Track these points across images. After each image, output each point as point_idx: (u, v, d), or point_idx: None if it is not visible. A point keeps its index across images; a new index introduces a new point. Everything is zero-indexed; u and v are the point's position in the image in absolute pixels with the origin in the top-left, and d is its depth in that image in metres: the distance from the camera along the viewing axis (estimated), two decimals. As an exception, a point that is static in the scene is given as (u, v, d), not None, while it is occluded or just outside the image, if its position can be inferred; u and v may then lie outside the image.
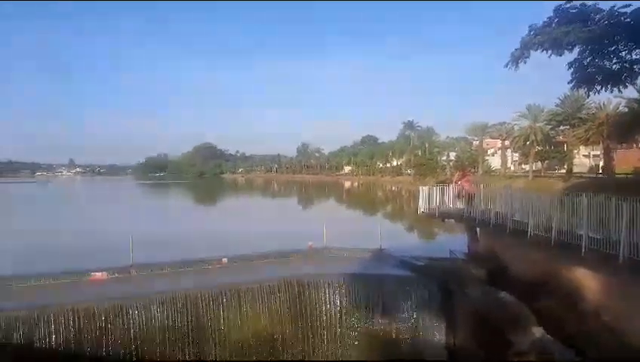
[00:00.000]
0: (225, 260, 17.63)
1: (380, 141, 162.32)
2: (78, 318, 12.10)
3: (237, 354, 13.44)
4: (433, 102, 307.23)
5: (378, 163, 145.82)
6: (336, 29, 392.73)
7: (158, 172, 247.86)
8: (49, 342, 11.79)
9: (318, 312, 14.51)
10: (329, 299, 14.66)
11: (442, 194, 19.43)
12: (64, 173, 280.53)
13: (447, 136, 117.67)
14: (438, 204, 19.28)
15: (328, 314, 14.56)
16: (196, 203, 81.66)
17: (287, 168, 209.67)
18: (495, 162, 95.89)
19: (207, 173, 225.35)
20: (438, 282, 15.20)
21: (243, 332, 13.68)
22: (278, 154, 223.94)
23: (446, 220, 20.20)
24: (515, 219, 14.84)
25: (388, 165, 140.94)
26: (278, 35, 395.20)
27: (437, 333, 14.66)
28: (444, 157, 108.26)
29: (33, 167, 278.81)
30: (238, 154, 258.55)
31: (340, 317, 14.60)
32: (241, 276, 15.70)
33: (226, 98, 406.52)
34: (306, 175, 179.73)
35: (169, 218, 48.50)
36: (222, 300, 13.62)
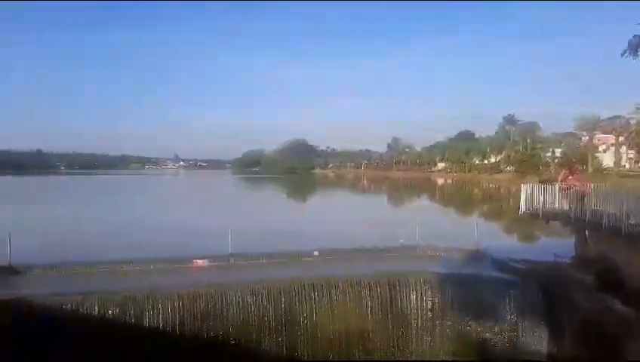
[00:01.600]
0: (317, 253, 17.89)
1: (476, 136, 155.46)
2: (182, 302, 12.93)
3: (327, 348, 13.55)
4: (537, 95, 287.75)
5: (474, 159, 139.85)
6: (423, 15, 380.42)
7: (253, 166, 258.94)
8: (156, 322, 12.73)
9: (409, 311, 14.19)
10: (422, 298, 14.27)
11: (547, 193, 18.05)
12: (169, 167, 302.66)
13: (553, 132, 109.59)
14: (541, 203, 17.97)
15: (420, 314, 14.19)
16: (288, 197, 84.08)
17: (377, 164, 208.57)
18: (607, 159, 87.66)
19: (298, 169, 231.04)
20: (541, 286, 14.19)
21: (333, 326, 13.74)
22: (368, 150, 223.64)
23: (550, 222, 18.76)
24: (630, 222, 13.42)
25: (485, 162, 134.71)
26: (369, 29, 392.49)
27: (538, 341, 13.72)
28: (549, 154, 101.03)
29: (143, 161, 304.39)
30: (329, 150, 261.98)
31: (433, 317, 14.16)
32: (332, 270, 15.84)
33: (318, 94, 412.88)
34: (396, 171, 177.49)
35: (263, 210, 50.39)
36: (314, 293, 13.79)
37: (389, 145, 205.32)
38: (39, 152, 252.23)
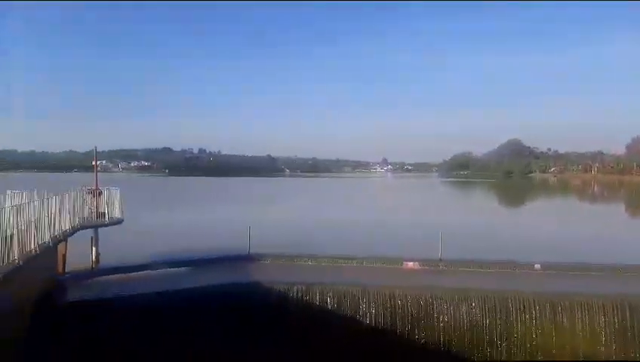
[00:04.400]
0: (538, 266, 16.32)
1: None
2: (393, 301, 13.25)
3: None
4: None
5: None
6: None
7: (461, 170, 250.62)
8: (369, 318, 13.33)
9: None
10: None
11: None
12: (377, 170, 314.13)
13: None
14: None
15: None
16: (503, 203, 78.69)
17: (611, 168, 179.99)
18: None
19: (514, 173, 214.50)
20: None
21: (557, 349, 12.40)
22: (600, 152, 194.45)
23: None
24: None
25: None
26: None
27: None
28: None
29: (354, 165, 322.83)
30: (550, 152, 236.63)
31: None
32: (556, 286, 14.25)
33: (535, 92, 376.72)
34: (636, 176, 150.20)
35: (476, 215, 48.26)
36: (535, 309, 12.65)
37: (627, 147, 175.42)
38: (269, 157, 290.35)
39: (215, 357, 12.52)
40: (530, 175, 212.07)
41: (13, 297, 10.46)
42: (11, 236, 10.35)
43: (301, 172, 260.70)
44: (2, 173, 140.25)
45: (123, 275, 15.75)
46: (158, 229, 29.70)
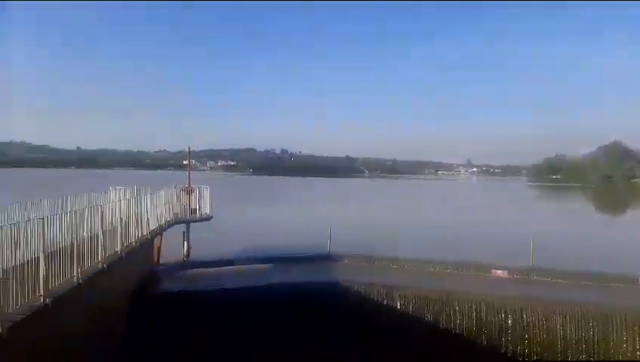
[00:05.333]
0: (645, 280, 14.85)
1: None
2: (479, 310, 12.70)
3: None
4: None
5: None
6: None
7: (553, 174, 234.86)
8: (452, 325, 12.88)
9: None
10: None
11: None
12: (461, 173, 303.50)
13: None
14: None
15: None
16: (603, 210, 72.39)
17: None
18: None
19: (613, 177, 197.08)
20: None
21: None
22: None
23: None
24: None
25: None
26: None
27: None
28: None
29: (436, 166, 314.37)
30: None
31: None
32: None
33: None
34: None
35: (572, 224, 44.93)
36: (638, 328, 11.50)
37: None
38: (348, 158, 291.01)
39: (292, 353, 12.71)
40: (634, 180, 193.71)
41: (115, 286, 11.35)
42: (115, 229, 11.23)
43: (381, 173, 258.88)
44: (103, 170, 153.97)
45: (210, 269, 16.55)
46: (243, 226, 30.88)
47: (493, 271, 16.06)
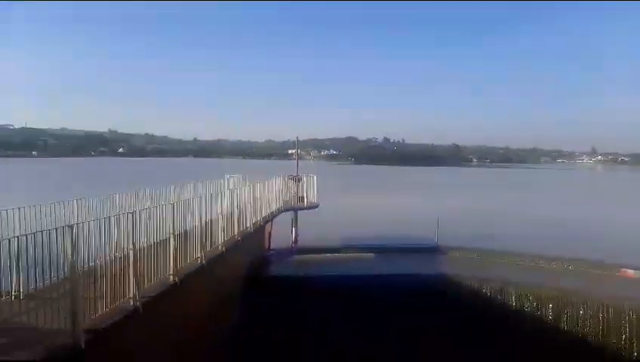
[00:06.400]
0: None
1: None
2: (607, 311, 11.59)
3: None
4: None
5: None
6: None
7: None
8: (574, 326, 11.92)
9: None
10: None
11: None
12: (584, 161, 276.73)
13: None
14: None
15: None
16: None
17: None
18: None
19: None
20: None
21: None
22: None
23: None
24: None
25: None
26: None
27: None
28: None
29: (554, 155, 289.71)
30: None
31: None
32: None
33: None
34: None
35: None
36: None
37: None
38: (455, 146, 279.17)
39: (394, 345, 12.55)
40: None
41: (232, 268, 12.11)
42: (232, 214, 11.94)
43: (491, 162, 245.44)
44: (218, 159, 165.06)
45: (316, 256, 16.99)
46: (348, 215, 31.21)
47: (623, 269, 14.49)
